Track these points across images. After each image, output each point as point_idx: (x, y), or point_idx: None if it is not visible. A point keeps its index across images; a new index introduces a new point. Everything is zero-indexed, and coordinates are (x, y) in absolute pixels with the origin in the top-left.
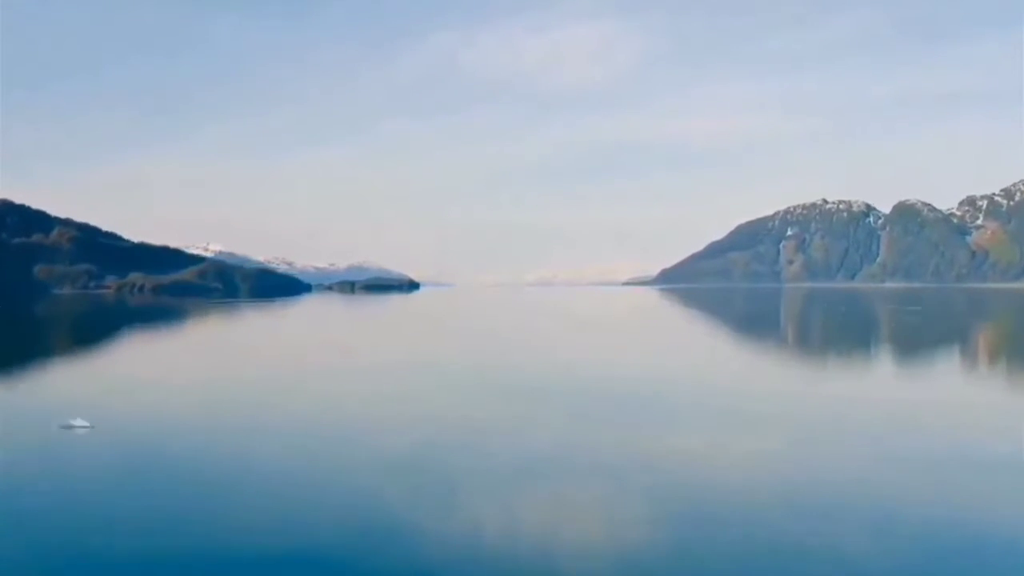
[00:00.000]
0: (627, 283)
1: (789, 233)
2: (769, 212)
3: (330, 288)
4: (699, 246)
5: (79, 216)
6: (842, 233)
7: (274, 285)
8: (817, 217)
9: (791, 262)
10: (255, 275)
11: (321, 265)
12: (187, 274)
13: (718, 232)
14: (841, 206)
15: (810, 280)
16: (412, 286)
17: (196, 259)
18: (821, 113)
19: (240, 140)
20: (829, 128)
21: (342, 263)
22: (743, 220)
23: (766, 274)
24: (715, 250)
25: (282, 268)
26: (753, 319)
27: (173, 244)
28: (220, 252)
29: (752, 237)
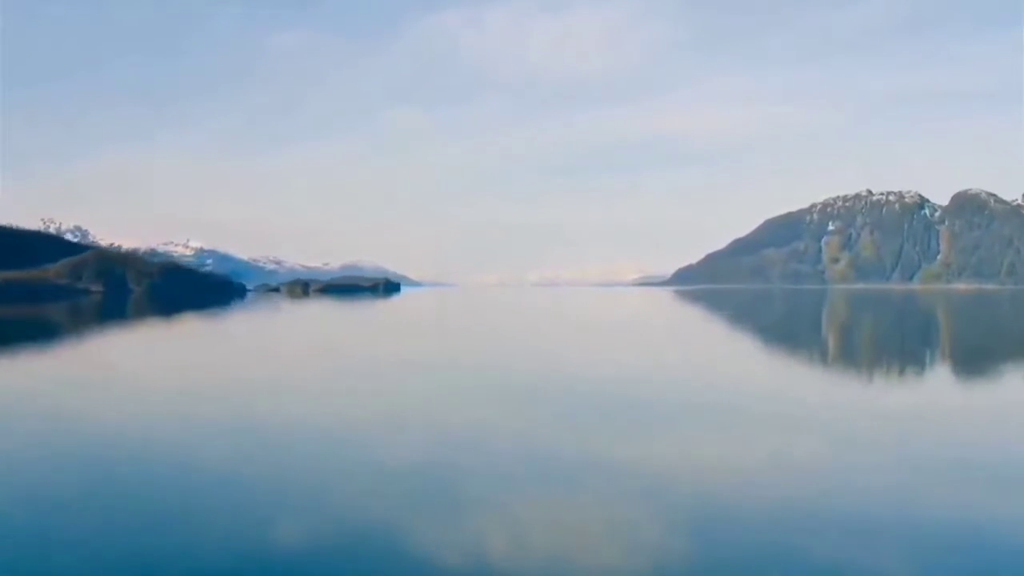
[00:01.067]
0: (640, 283)
1: (831, 228)
2: (804, 205)
3: (276, 290)
4: (718, 244)
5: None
6: (894, 228)
7: (188, 285)
8: (863, 210)
9: (836, 260)
10: (163, 272)
11: (314, 264)
12: (51, 270)
13: (742, 228)
14: (891, 197)
15: (860, 280)
16: (391, 287)
17: (75, 248)
18: (847, 103)
19: (231, 134)
20: (860, 118)
21: (336, 262)
22: (773, 215)
23: (808, 274)
24: (742, 247)
25: (270, 267)
26: (808, 327)
27: (151, 242)
28: (201, 249)
29: (787, 233)
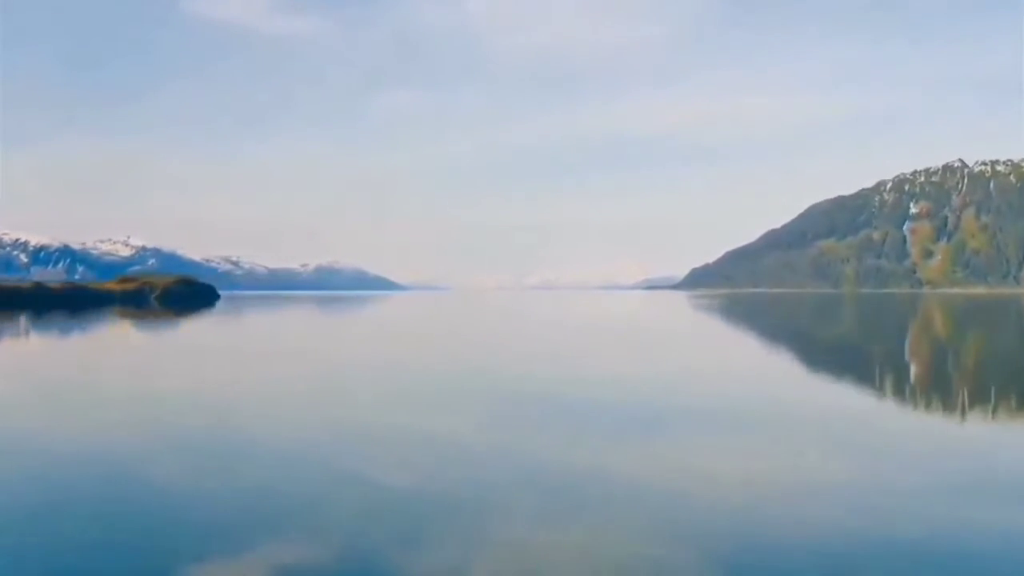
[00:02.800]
0: (644, 286)
1: (914, 211)
2: (867, 184)
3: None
4: (736, 241)
5: None
6: (1017, 208)
7: None
8: (966, 185)
9: (930, 254)
10: None
11: (282, 265)
12: None
13: (776, 219)
14: (1002, 168)
15: (974, 280)
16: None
17: None
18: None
19: (185, 122)
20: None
21: (312, 263)
22: (819, 199)
23: (890, 273)
24: (779, 240)
25: (224, 268)
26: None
27: (84, 239)
28: (142, 248)
29: (846, 219)
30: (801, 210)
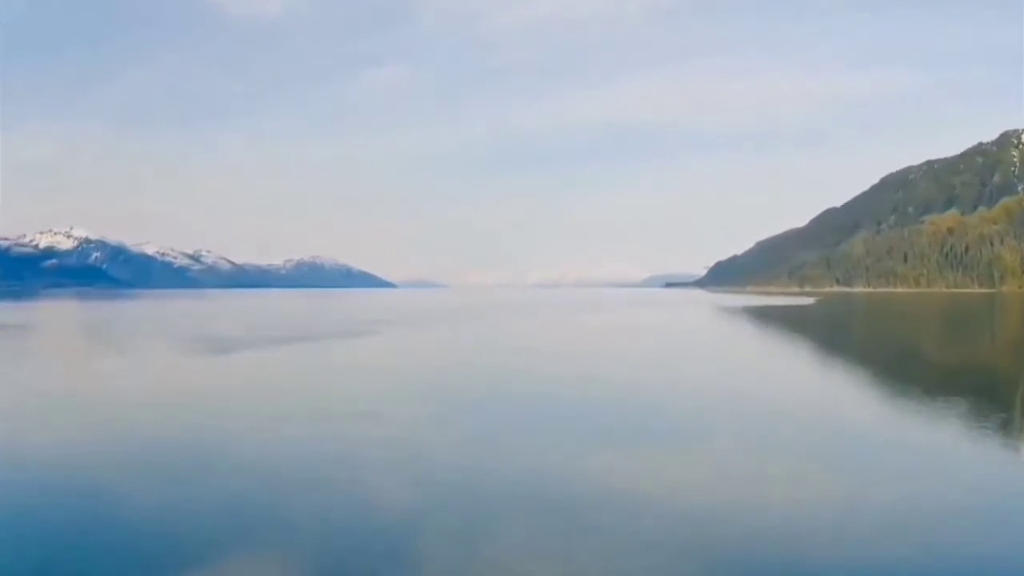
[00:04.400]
0: (667, 283)
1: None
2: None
3: None
4: (764, 234)
5: None
6: None
7: None
8: None
9: None
10: None
11: (255, 260)
12: None
13: (822, 204)
14: None
15: None
16: None
17: None
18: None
19: (150, 111)
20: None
21: (291, 258)
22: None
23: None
24: (831, 224)
25: (180, 262)
26: None
27: (25, 230)
28: (86, 240)
29: (921, 197)
30: (866, 187)
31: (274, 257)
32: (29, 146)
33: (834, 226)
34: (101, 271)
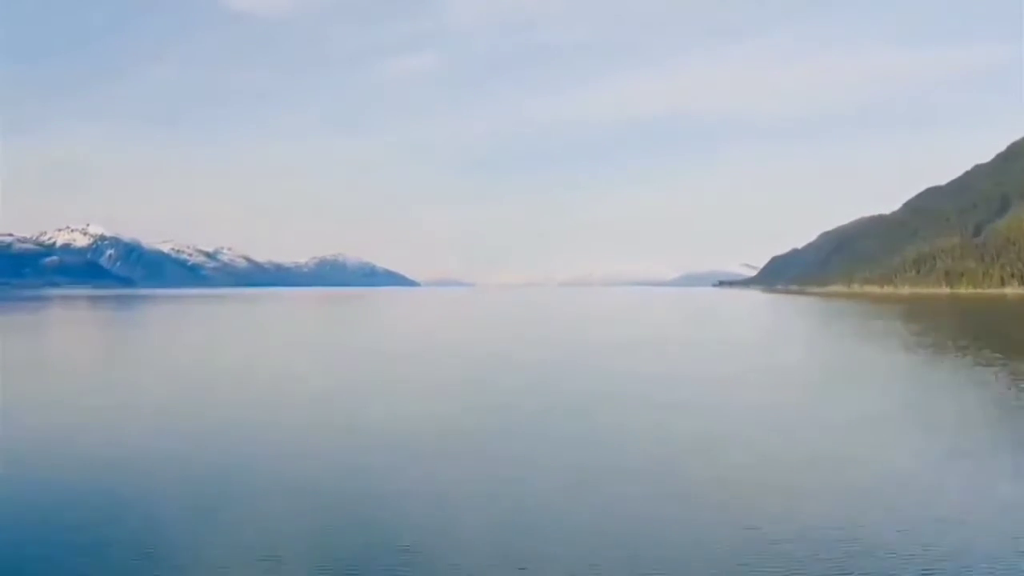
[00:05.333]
0: (721, 282)
1: None
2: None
3: None
4: (823, 224)
5: None
6: None
7: None
8: None
9: None
10: None
11: (274, 258)
12: None
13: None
14: None
15: None
16: None
17: None
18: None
19: (170, 107)
20: None
21: (313, 256)
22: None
23: None
24: (898, 220)
25: (194, 260)
26: None
27: (44, 227)
28: (101, 237)
29: None
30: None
31: (298, 255)
32: (51, 146)
33: (934, 212)
34: (103, 269)
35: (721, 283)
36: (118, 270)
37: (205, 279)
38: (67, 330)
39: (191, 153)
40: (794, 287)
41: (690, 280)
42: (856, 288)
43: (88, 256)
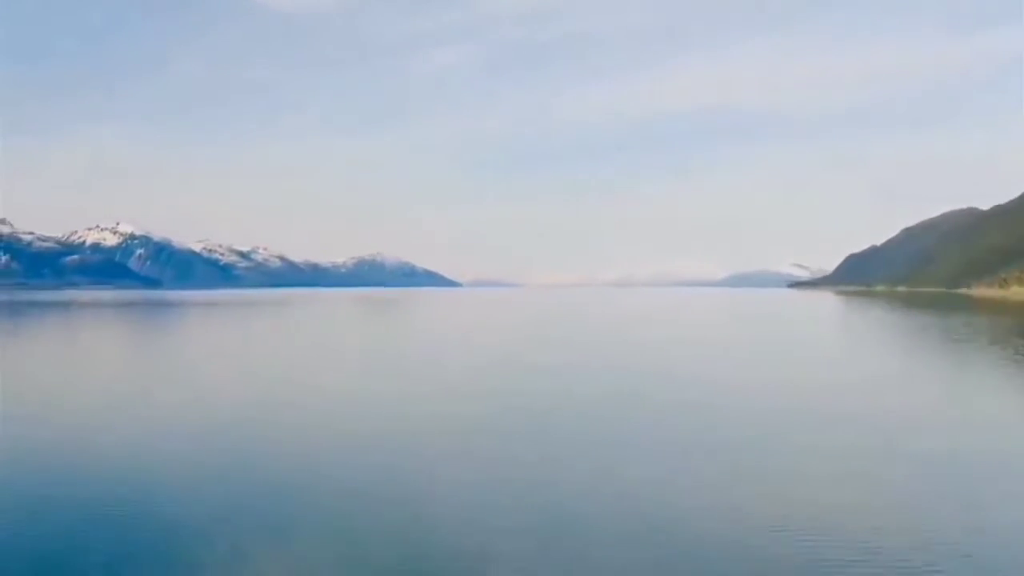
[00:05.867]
0: (794, 284)
1: None
2: None
3: None
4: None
5: None
6: None
7: None
8: None
9: None
10: None
11: (310, 258)
12: None
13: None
14: None
15: None
16: None
17: None
18: None
19: (203, 104)
20: None
21: (350, 256)
22: None
23: None
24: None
25: (226, 259)
26: None
27: (75, 226)
28: (131, 236)
29: None
30: None
31: (335, 255)
32: (84, 145)
33: None
34: (127, 269)
35: (793, 284)
36: (147, 270)
37: (237, 279)
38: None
39: (224, 152)
40: (881, 287)
41: (739, 280)
42: (964, 290)
43: (117, 255)
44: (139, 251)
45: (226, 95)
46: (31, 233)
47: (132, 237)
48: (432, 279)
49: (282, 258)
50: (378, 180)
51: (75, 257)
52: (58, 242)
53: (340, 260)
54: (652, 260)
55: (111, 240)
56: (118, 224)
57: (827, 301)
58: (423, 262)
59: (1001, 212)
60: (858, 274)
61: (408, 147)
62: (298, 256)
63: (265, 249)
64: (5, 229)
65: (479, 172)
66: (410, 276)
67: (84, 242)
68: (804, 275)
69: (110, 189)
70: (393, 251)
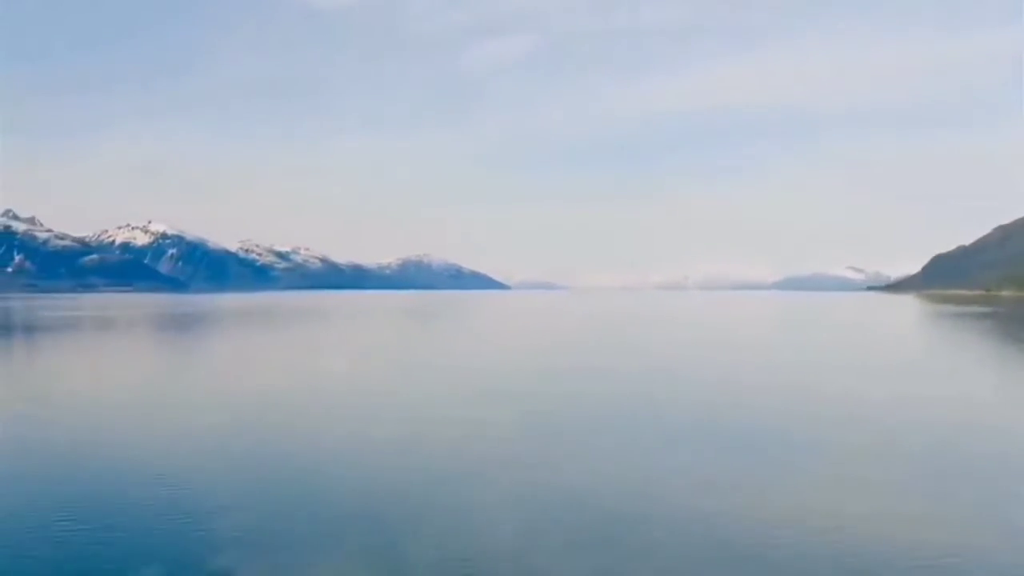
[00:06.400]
0: (871, 287)
1: None
2: None
3: None
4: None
5: None
6: None
7: None
8: None
9: None
10: None
11: (354, 259)
12: None
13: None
14: None
15: None
16: None
17: None
18: None
19: (241, 100)
20: None
21: (396, 257)
22: None
23: None
24: None
25: (264, 260)
26: None
27: (106, 224)
28: (163, 235)
29: None
30: None
31: (381, 256)
32: (124, 145)
33: None
34: (150, 269)
35: (872, 288)
36: (178, 271)
37: (273, 280)
38: None
39: (264, 151)
40: (979, 291)
41: (792, 284)
42: None
43: (147, 255)
44: (171, 251)
45: (266, 92)
46: (48, 231)
47: (164, 236)
48: (479, 281)
49: (323, 259)
50: (425, 179)
51: (94, 257)
52: (79, 241)
53: (385, 261)
54: (702, 262)
55: (142, 239)
56: (150, 223)
57: (966, 315)
58: (470, 263)
59: None
60: (948, 277)
61: (455, 144)
62: (341, 257)
63: (306, 250)
64: (20, 227)
65: (527, 170)
66: (457, 278)
67: (113, 241)
68: (859, 278)
69: (151, 188)
70: (440, 252)
